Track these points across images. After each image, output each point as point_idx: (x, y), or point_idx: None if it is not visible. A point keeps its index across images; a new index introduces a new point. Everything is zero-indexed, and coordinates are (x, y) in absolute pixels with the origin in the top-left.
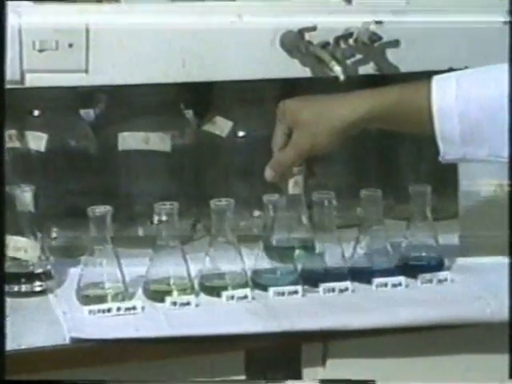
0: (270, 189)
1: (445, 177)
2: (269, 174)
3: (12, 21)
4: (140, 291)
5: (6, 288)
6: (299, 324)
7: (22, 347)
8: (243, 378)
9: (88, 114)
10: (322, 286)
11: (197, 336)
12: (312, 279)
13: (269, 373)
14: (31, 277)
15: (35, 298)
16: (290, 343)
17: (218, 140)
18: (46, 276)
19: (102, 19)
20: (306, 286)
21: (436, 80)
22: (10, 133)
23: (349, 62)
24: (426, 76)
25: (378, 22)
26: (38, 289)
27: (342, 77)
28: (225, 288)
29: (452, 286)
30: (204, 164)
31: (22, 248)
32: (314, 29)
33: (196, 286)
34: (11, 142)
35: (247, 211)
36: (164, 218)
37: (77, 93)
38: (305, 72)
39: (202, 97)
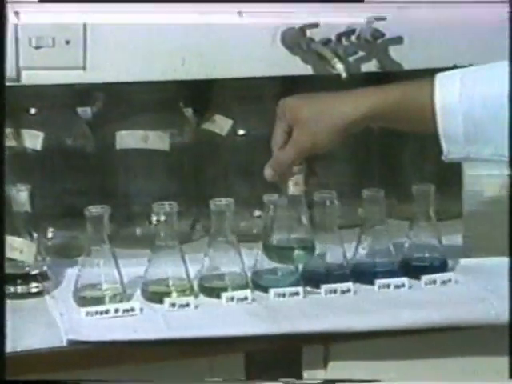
0: (270, 188)
1: (448, 176)
2: (268, 173)
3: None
4: (138, 292)
5: None
6: (300, 326)
7: (19, 350)
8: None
9: (85, 111)
10: (324, 287)
11: (196, 338)
12: (313, 280)
13: (269, 375)
14: (27, 278)
15: (31, 299)
16: (290, 345)
17: (217, 138)
18: (42, 277)
19: (99, 15)
20: (307, 287)
21: (439, 78)
22: (6, 131)
23: (351, 59)
24: (430, 74)
25: (381, 19)
26: (34, 290)
27: (344, 74)
28: (224, 289)
29: (456, 287)
30: (203, 163)
31: (18, 248)
32: (315, 25)
33: (195, 287)
34: (7, 141)
35: (247, 211)
36: (162, 217)
37: (74, 90)
38: (306, 69)
39: (202, 94)
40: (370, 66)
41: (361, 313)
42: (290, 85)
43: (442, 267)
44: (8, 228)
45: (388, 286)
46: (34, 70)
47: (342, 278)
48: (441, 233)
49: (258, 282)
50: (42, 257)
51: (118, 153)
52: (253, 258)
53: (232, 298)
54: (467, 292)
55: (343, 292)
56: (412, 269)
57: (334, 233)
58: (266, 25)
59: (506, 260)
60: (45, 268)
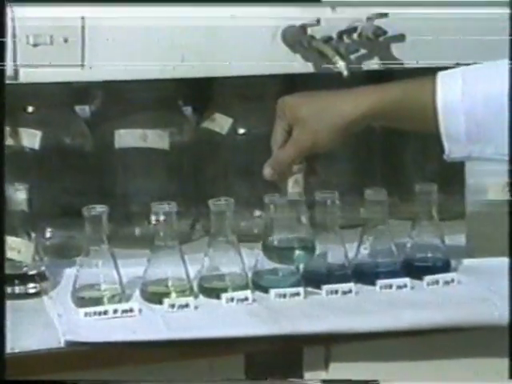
0: (271, 188)
1: (451, 175)
2: (268, 172)
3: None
4: (137, 293)
5: None
6: (301, 327)
7: (16, 351)
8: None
9: (84, 110)
10: (325, 288)
11: (195, 339)
12: (314, 281)
13: (270, 377)
14: (25, 278)
15: (29, 300)
16: (291, 346)
17: (217, 137)
18: (40, 277)
19: (98, 13)
20: (308, 288)
21: (441, 76)
22: None
23: (352, 56)
24: (432, 72)
25: (383, 15)
26: (31, 290)
27: (345, 72)
28: (224, 290)
29: (459, 287)
30: (203, 162)
31: (16, 248)
32: (316, 23)
33: (195, 287)
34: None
35: (248, 211)
36: (162, 217)
37: (72, 89)
38: (307, 67)
39: (201, 93)
40: (372, 64)
41: (362, 313)
42: (290, 83)
43: (445, 267)
44: (5, 228)
45: (390, 286)
46: (31, 67)
47: (344, 279)
48: (443, 233)
49: (259, 283)
50: (39, 257)
51: (117, 152)
52: (253, 258)
53: (232, 299)
54: (470, 293)
55: (344, 292)
56: (414, 269)
57: (336, 233)
58: (266, 22)
59: (509, 260)
60: (43, 268)
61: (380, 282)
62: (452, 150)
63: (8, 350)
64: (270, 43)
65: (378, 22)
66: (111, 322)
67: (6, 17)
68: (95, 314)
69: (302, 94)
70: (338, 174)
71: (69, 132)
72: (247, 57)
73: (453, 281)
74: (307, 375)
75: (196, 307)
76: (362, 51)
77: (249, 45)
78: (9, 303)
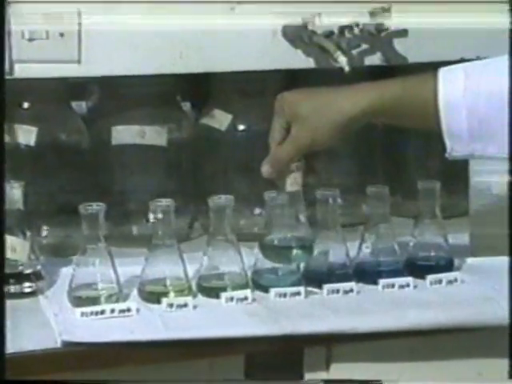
0: (271, 186)
1: (455, 173)
2: (266, 170)
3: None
4: (135, 292)
5: None
6: (301, 327)
7: (11, 351)
8: None
9: (80, 106)
10: (326, 287)
11: (194, 339)
12: (315, 280)
13: (270, 378)
14: (20, 277)
15: (25, 299)
16: (291, 347)
17: (216, 134)
18: (36, 276)
19: (95, 7)
20: (308, 287)
21: (442, 72)
22: None
23: (354, 52)
24: (436, 67)
25: (386, 10)
26: (27, 290)
27: (346, 68)
28: (224, 289)
29: (462, 287)
30: (202, 159)
31: (11, 247)
32: (317, 18)
33: (193, 286)
34: None
35: (247, 209)
36: (160, 215)
37: (68, 84)
38: (308, 63)
39: (200, 88)
40: (374, 60)
41: (364, 313)
42: (291, 78)
43: (448, 266)
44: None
45: (392, 285)
46: (27, 63)
47: (345, 278)
48: (447, 231)
49: (259, 282)
50: (35, 256)
51: (114, 148)
52: (253, 257)
53: (231, 298)
54: (474, 292)
55: (346, 292)
56: (417, 268)
57: (337, 231)
58: (266, 17)
59: None
60: (38, 267)
61: (382, 281)
62: (454, 148)
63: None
64: (270, 38)
65: (380, 17)
66: (108, 322)
67: (6, 16)
68: (92, 313)
69: (301, 91)
70: (339, 171)
71: (65, 128)
72: (247, 52)
73: (456, 280)
74: (308, 376)
75: (195, 307)
76: (364, 46)
77: (249, 40)
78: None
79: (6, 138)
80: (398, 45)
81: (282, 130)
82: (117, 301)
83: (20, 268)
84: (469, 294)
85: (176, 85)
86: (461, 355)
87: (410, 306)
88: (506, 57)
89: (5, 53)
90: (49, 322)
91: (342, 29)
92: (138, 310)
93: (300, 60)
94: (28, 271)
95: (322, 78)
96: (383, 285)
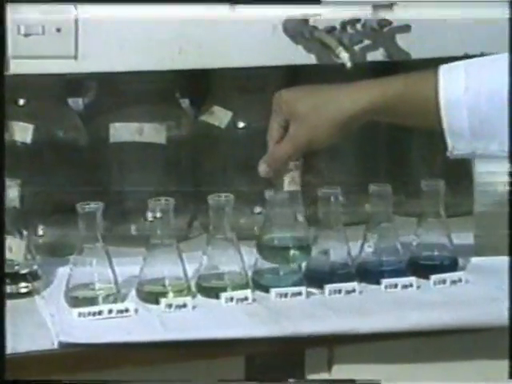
0: (270, 184)
1: (459, 171)
2: (263, 169)
3: None
4: (133, 292)
5: None
6: (303, 327)
7: (8, 352)
8: None
9: (77, 103)
10: (328, 287)
11: (193, 340)
12: (317, 280)
13: (271, 379)
14: (16, 277)
15: (21, 299)
16: (293, 348)
17: (216, 131)
18: (32, 276)
19: (92, 2)
20: (310, 288)
21: (443, 69)
22: None
23: (356, 48)
24: (439, 63)
25: (389, 5)
26: (23, 290)
27: (348, 64)
28: (223, 289)
29: (466, 287)
30: (201, 157)
31: (7, 247)
32: (319, 13)
33: (193, 287)
34: None
35: (247, 207)
36: (159, 214)
37: (65, 80)
38: (309, 59)
39: (200, 85)
40: (377, 55)
41: (366, 314)
42: (292, 75)
43: (452, 266)
44: None
45: (395, 285)
46: (22, 58)
47: (347, 278)
48: (451, 230)
49: (259, 282)
50: (31, 255)
51: (112, 146)
52: (253, 256)
53: (231, 299)
54: (478, 292)
55: (348, 292)
56: (420, 268)
57: (339, 230)
58: (267, 12)
59: None
60: (35, 267)
61: (385, 282)
62: (455, 147)
63: None
64: (270, 33)
65: (383, 12)
66: (106, 323)
67: (6, 16)
68: (89, 314)
69: (299, 88)
70: (341, 169)
71: (62, 126)
72: (247, 47)
73: (460, 280)
74: (309, 377)
75: (194, 307)
76: (366, 42)
77: (249, 35)
78: None
79: None
80: (401, 40)
81: (280, 129)
82: (115, 301)
83: (16, 268)
84: (473, 294)
85: (175, 81)
86: (465, 356)
87: (414, 307)
88: (505, 55)
89: (5, 51)
90: (45, 322)
91: (344, 24)
92: (136, 311)
93: (301, 56)
94: (24, 271)
95: (323, 74)
96: (386, 285)
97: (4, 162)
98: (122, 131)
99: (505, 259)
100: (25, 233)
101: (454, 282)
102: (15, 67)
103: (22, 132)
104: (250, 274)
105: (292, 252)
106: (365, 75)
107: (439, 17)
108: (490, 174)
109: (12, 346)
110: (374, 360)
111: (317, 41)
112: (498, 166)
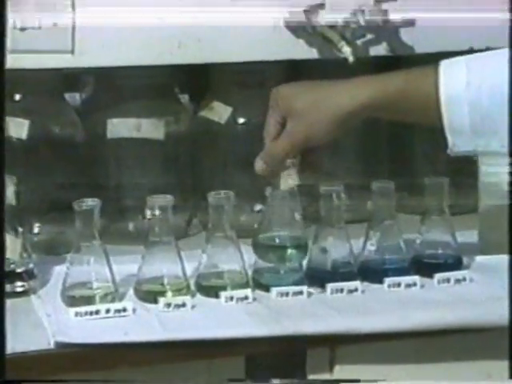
0: (267, 182)
1: (463, 168)
2: (259, 166)
3: None
4: (131, 292)
5: None
6: (304, 327)
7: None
8: None
9: (74, 98)
10: (329, 286)
11: (193, 340)
12: (318, 279)
13: (271, 380)
14: (12, 276)
15: (16, 299)
16: (294, 348)
17: (215, 127)
18: (28, 275)
19: None
20: (311, 286)
21: (444, 64)
22: None
23: (359, 42)
24: (444, 58)
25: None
26: (19, 289)
27: (351, 58)
28: (223, 288)
29: (471, 286)
30: (201, 153)
31: None
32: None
33: (192, 285)
34: None
35: (248, 205)
36: (157, 212)
37: (62, 75)
38: (311, 53)
39: (199, 80)
40: (380, 50)
41: (369, 313)
42: (293, 70)
43: (456, 265)
44: None
45: (398, 284)
46: (18, 53)
47: (349, 277)
48: (455, 228)
49: (259, 281)
50: (27, 254)
51: (109, 142)
52: (253, 254)
53: (231, 298)
54: (483, 291)
55: (350, 291)
56: (424, 266)
57: (341, 228)
58: (268, 6)
59: None
60: (31, 266)
61: (388, 280)
62: (456, 144)
63: None
64: (271, 28)
65: (386, 6)
66: (103, 322)
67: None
68: (86, 313)
69: (297, 84)
70: (343, 166)
71: (58, 121)
72: (248, 42)
73: (465, 279)
74: (311, 378)
75: (193, 306)
76: (369, 36)
77: (249, 29)
78: None
79: None
80: (404, 35)
81: (277, 125)
82: (112, 300)
83: (11, 266)
84: (478, 293)
85: (174, 76)
86: (469, 356)
87: (417, 306)
88: (505, 50)
89: (5, 47)
90: (41, 322)
91: (347, 18)
92: (134, 310)
93: (303, 50)
94: (20, 270)
95: (325, 69)
96: (389, 284)
97: (4, 160)
98: (119, 127)
99: (510, 258)
100: (20, 230)
101: (458, 281)
102: (11, 62)
103: (17, 128)
104: (250, 272)
105: (289, 251)
106: (367, 70)
107: (443, 11)
108: (494, 172)
109: (8, 346)
110: (377, 360)
111: (319, 35)
112: (503, 162)
